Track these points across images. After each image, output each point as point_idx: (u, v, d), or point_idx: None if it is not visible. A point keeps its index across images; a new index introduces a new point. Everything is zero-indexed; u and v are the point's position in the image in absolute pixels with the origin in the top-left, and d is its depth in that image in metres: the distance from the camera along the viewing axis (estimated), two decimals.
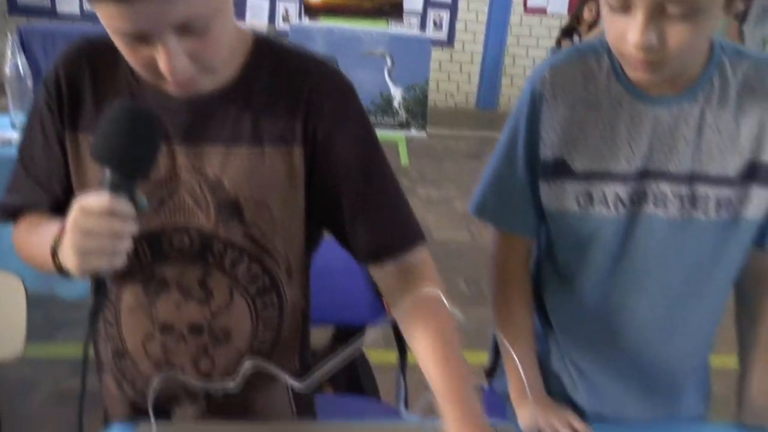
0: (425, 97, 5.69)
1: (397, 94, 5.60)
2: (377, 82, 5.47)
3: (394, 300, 1.01)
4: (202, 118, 0.94)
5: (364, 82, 5.26)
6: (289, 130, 0.95)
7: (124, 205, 0.81)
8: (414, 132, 5.77)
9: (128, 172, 0.82)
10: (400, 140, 5.58)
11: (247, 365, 0.82)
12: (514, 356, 0.98)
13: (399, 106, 5.64)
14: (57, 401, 2.30)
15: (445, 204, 4.46)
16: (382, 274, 1.01)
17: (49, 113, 0.96)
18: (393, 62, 5.46)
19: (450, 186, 4.88)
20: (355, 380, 1.85)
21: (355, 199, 0.98)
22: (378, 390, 1.77)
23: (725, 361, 1.23)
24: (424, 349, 0.96)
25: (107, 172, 0.81)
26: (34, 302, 1.73)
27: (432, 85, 6.66)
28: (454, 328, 0.98)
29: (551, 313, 1.22)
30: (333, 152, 0.97)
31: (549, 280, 1.21)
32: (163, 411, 1.07)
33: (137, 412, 1.07)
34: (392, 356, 1.61)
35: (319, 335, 1.44)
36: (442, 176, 5.13)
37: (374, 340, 2.26)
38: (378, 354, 1.97)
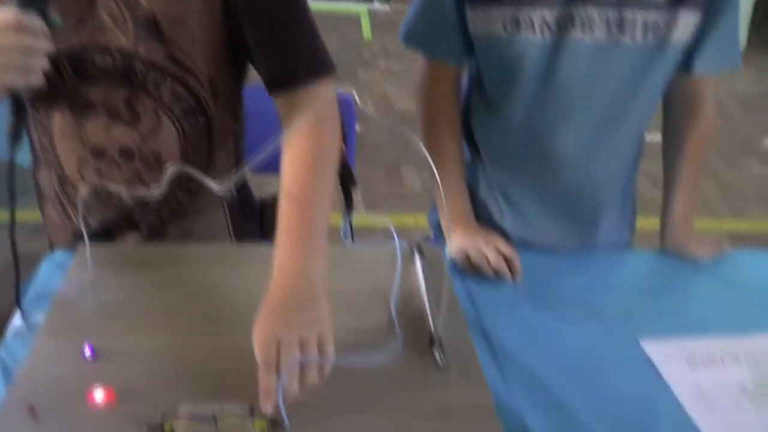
0: None
1: None
2: None
3: (285, 126, 0.99)
4: None
5: None
6: None
7: (33, 20, 0.80)
8: (377, 5, 5.64)
9: None
10: (362, 13, 5.45)
11: (171, 170, 0.84)
12: (440, 183, 1.00)
13: None
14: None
15: (406, 76, 4.41)
16: (283, 104, 1.00)
17: None
18: None
19: (411, 59, 4.79)
20: None
21: (260, 26, 0.97)
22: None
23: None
24: (287, 164, 0.94)
25: None
26: None
27: None
28: (331, 154, 0.97)
29: (480, 142, 1.25)
30: None
31: (477, 109, 1.23)
32: (105, 239, 1.11)
33: (80, 240, 1.09)
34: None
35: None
36: (403, 49, 5.04)
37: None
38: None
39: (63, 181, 1.09)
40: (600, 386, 0.90)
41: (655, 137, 1.27)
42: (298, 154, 0.94)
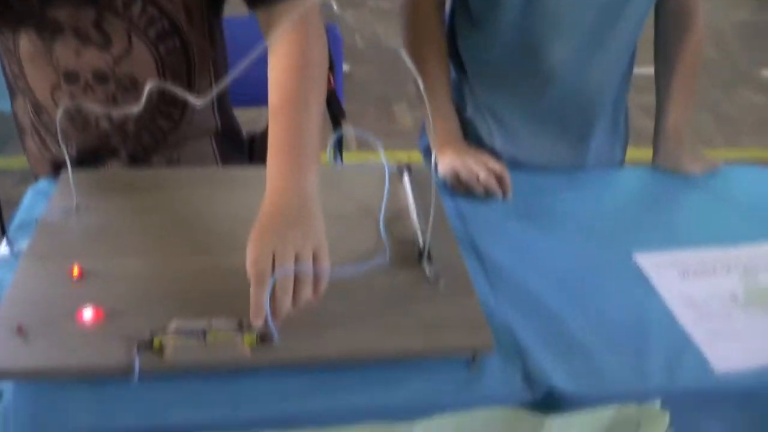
0: None
1: None
2: None
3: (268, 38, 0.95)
4: None
5: None
6: None
7: None
8: None
9: None
10: None
11: (150, 85, 0.81)
12: (428, 102, 0.97)
13: None
14: (5, 207, 2.35)
15: (395, 15, 4.35)
16: (263, 19, 0.97)
17: None
18: None
19: None
20: None
21: None
22: None
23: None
24: (272, 75, 0.90)
25: None
26: None
27: None
28: (316, 60, 0.92)
29: (466, 61, 1.22)
30: None
31: (463, 27, 1.20)
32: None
33: (62, 168, 1.07)
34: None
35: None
36: None
37: None
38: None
39: (37, 108, 1.07)
40: (591, 298, 0.90)
41: (647, 70, 1.25)
42: (281, 62, 0.91)
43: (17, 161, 2.53)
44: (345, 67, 1.98)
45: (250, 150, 1.32)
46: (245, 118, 1.30)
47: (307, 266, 0.75)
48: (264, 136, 1.37)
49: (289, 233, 0.77)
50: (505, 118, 1.22)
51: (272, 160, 0.85)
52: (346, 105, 1.53)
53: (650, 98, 1.26)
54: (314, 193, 0.82)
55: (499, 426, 0.78)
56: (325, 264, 0.77)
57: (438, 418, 0.76)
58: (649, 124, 1.27)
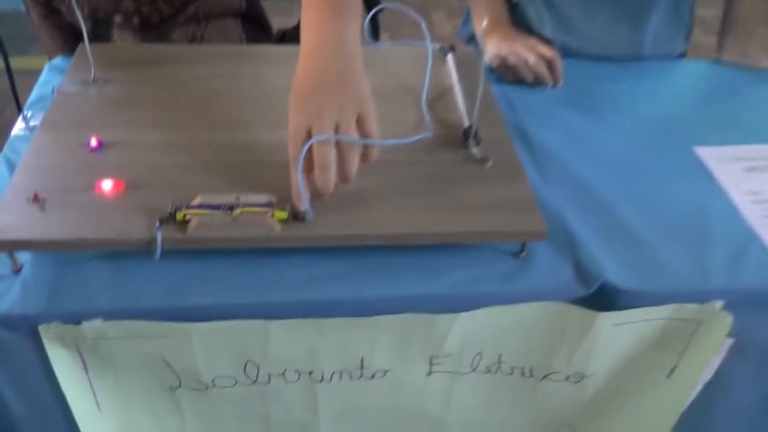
0: None
1: None
2: None
3: None
4: None
5: None
6: None
7: None
8: None
9: None
10: None
11: None
12: None
13: None
14: None
15: None
16: None
17: None
18: None
19: None
20: None
21: None
22: None
23: None
24: None
25: None
26: (3, 19, 1.68)
27: None
28: None
29: None
30: None
31: None
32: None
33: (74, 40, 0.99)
34: None
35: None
36: None
37: None
38: None
39: None
40: (648, 189, 0.83)
41: None
42: None
43: (41, 61, 2.49)
44: None
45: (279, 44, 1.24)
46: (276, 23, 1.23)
47: (349, 138, 0.67)
48: (295, 30, 1.29)
49: (325, 102, 0.67)
50: (557, 1, 1.11)
51: (306, 12, 0.73)
52: (383, 13, 1.44)
53: (707, 11, 1.14)
54: (356, 49, 0.70)
55: (547, 321, 0.73)
56: (372, 130, 0.67)
57: (482, 311, 0.70)
58: (705, 41, 1.16)
